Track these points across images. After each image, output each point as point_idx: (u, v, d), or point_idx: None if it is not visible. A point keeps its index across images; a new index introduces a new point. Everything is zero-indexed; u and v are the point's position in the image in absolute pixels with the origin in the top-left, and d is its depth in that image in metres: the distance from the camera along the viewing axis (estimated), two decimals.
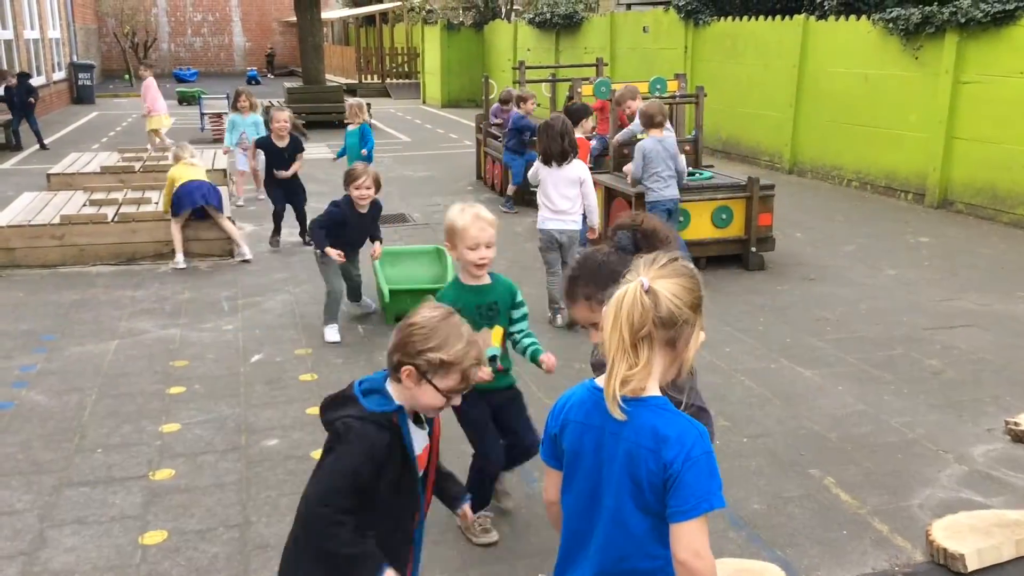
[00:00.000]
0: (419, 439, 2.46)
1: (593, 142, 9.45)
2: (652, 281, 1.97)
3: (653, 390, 2.03)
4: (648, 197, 7.31)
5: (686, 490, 1.93)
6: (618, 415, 1.99)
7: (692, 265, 2.08)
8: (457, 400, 2.44)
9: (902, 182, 11.44)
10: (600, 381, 2.07)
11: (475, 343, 2.40)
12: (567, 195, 6.43)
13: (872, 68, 11.75)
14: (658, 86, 9.24)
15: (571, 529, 2.17)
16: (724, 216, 7.98)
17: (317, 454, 4.46)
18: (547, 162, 6.47)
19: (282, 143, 8.78)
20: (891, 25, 11.22)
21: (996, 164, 10.08)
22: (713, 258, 8.07)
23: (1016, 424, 4.73)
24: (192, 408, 5.12)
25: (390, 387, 2.40)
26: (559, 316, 6.55)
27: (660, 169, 7.23)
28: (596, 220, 6.64)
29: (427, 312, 2.39)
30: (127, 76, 36.75)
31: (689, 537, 1.93)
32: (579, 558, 2.14)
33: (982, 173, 10.29)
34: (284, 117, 8.87)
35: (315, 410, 5.06)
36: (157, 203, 8.91)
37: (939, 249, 8.84)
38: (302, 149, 8.98)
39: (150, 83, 14.88)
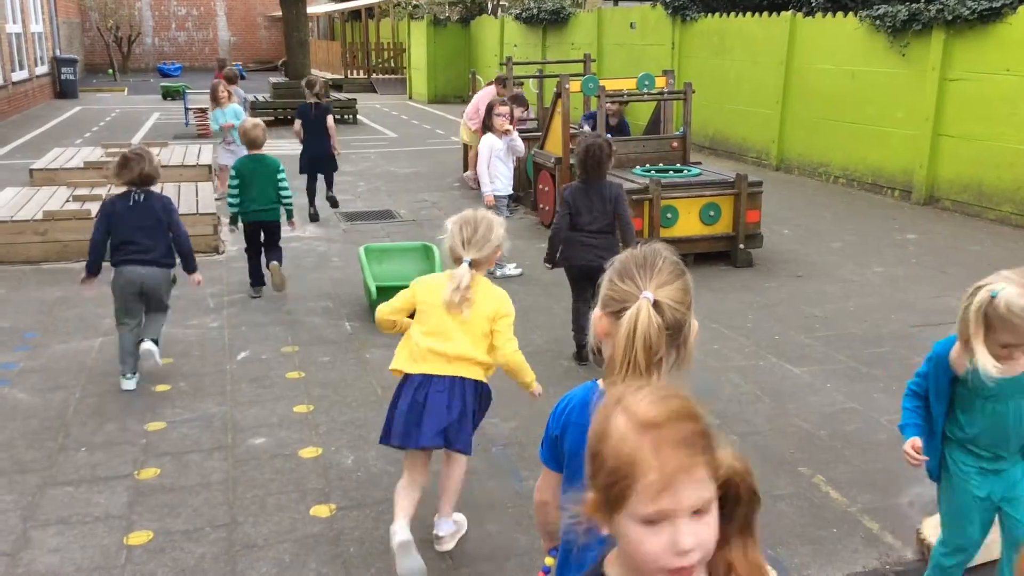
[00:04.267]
0: None
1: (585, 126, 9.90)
2: (655, 293, 1.95)
3: None
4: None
5: None
6: None
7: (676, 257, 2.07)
8: None
9: (889, 179, 11.47)
10: (603, 383, 2.04)
11: None
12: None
13: (859, 65, 11.77)
14: (646, 82, 9.20)
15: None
16: (712, 213, 7.98)
17: (305, 452, 4.48)
18: None
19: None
20: (878, 22, 11.24)
21: (982, 161, 10.11)
22: (701, 255, 8.05)
23: None
24: (177, 406, 5.06)
25: None
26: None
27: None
28: (485, 189, 8.09)
29: None
30: (111, 71, 36.47)
31: None
32: None
33: (969, 170, 10.32)
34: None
35: (302, 408, 5.05)
36: None
37: (926, 246, 8.86)
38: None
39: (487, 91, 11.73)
